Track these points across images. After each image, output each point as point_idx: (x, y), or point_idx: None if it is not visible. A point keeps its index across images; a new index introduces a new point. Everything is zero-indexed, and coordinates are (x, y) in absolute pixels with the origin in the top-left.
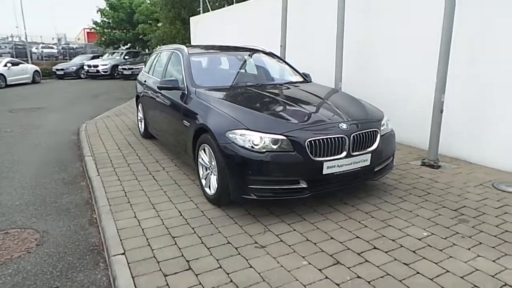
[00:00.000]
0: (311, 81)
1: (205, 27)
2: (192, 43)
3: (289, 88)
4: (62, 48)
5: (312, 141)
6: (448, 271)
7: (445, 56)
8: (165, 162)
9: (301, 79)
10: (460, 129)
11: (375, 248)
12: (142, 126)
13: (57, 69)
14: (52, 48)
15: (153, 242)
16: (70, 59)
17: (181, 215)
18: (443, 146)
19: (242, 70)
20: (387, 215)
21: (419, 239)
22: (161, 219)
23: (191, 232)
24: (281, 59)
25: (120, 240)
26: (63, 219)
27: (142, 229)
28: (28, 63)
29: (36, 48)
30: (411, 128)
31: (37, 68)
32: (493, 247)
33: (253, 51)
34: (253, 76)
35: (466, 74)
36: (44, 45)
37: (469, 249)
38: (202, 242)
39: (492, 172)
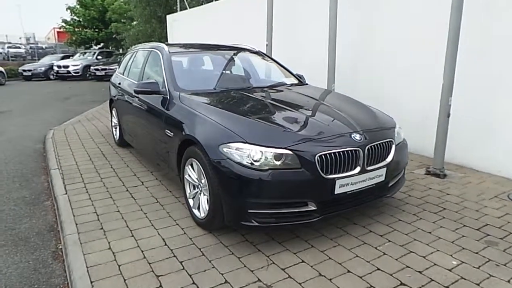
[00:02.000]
0: (306, 83)
1: (183, 25)
2: (170, 42)
3: (284, 91)
4: (30, 48)
5: (323, 156)
6: None
7: (452, 54)
8: (144, 175)
9: (296, 81)
10: (466, 134)
11: (402, 284)
12: (117, 133)
13: (24, 70)
14: (19, 47)
15: (132, 284)
16: (39, 60)
17: (165, 244)
18: (446, 153)
19: (230, 72)
20: (405, 238)
21: (449, 270)
22: (142, 251)
23: (179, 268)
24: (272, 59)
25: (91, 282)
26: (20, 251)
27: (119, 266)
28: None
29: (2, 48)
30: (411, 133)
31: (1, 68)
32: None
33: (240, 50)
34: (243, 78)
35: (473, 73)
36: (10, 44)
37: (508, 281)
38: (194, 283)
39: (502, 182)
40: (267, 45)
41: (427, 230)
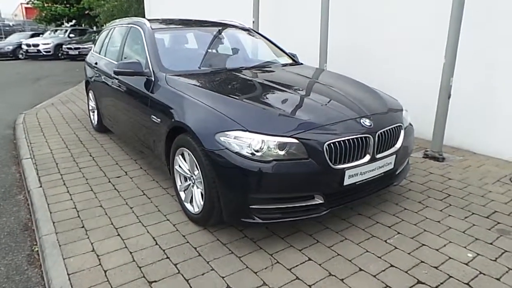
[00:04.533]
0: (301, 63)
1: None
2: (148, 18)
3: (281, 72)
4: None
5: (331, 144)
6: None
7: (455, 31)
8: (127, 164)
9: (290, 61)
10: (462, 115)
11: (419, 282)
12: (95, 117)
13: None
14: None
15: None
16: (6, 38)
17: (156, 243)
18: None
19: (220, 51)
20: (414, 229)
21: (466, 264)
22: (130, 253)
23: (174, 271)
24: (264, 36)
25: None
26: None
27: (105, 272)
28: None
29: None
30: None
31: None
32: None
33: (229, 26)
34: (234, 58)
35: (471, 50)
36: None
37: None
38: None
39: (502, 164)
40: (253, 22)
41: (435, 219)
